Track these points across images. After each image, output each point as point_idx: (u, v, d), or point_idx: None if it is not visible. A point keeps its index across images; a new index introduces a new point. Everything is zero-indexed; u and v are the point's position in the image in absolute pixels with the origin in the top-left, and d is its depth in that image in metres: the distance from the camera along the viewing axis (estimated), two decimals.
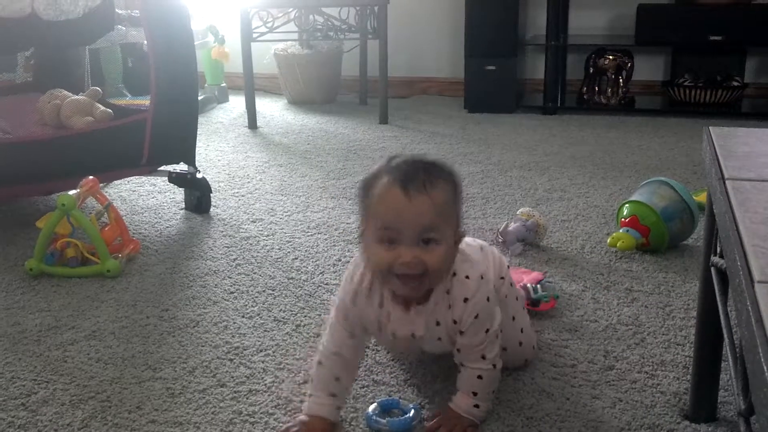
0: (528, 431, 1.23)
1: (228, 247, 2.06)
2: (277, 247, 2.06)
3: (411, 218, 1.11)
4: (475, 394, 1.25)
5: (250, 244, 2.08)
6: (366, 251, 1.18)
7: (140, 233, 2.16)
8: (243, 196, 2.53)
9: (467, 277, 1.21)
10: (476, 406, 1.25)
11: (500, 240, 2.05)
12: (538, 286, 1.71)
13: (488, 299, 1.23)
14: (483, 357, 1.24)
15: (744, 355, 0.61)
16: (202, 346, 1.53)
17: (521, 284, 1.66)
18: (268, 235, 2.15)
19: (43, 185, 2.13)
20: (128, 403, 1.32)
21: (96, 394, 1.35)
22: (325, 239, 2.12)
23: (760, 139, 1.28)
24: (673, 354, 1.46)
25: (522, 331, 1.41)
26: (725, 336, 1.04)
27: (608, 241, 2.00)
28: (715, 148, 1.17)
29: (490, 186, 2.61)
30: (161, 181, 2.55)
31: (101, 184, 2.00)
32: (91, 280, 1.84)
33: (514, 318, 1.39)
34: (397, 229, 1.12)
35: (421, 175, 1.12)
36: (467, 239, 1.32)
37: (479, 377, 1.24)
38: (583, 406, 1.30)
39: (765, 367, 0.55)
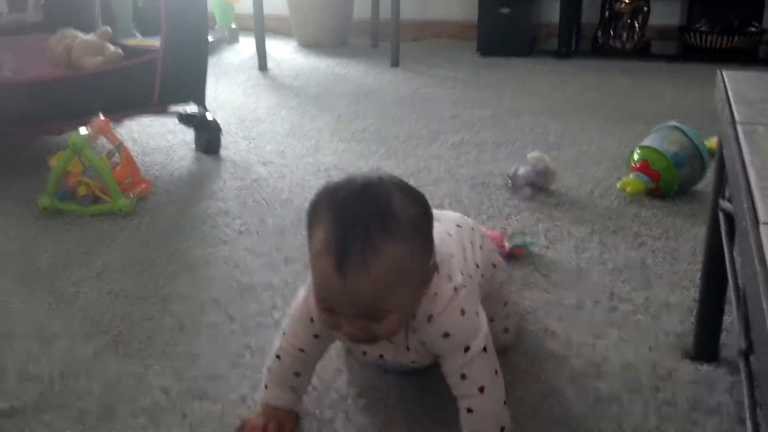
0: (531, 369, 1.25)
1: (238, 189, 2.07)
2: (287, 188, 2.07)
3: (346, 299, 0.90)
4: None
5: (260, 186, 2.09)
6: (315, 307, 0.97)
7: (151, 173, 2.17)
8: (253, 138, 2.53)
9: (436, 294, 0.98)
10: None
11: (510, 185, 2.05)
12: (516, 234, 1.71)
13: (462, 312, 0.99)
14: (463, 377, 1.00)
15: (746, 295, 0.61)
16: (212, 283, 1.55)
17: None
18: (278, 177, 2.16)
19: (54, 125, 2.14)
20: (140, 337, 1.35)
21: (108, 328, 1.38)
22: None
23: None
24: (678, 296, 1.48)
25: (507, 317, 1.29)
26: (730, 278, 1.05)
27: (618, 185, 2.00)
28: (727, 92, 1.15)
29: (501, 131, 2.59)
30: (172, 122, 2.55)
31: (112, 124, 2.00)
32: (103, 218, 1.86)
33: (506, 304, 1.28)
34: (332, 305, 0.92)
35: (362, 243, 0.87)
36: (443, 221, 1.15)
37: (468, 411, 1.01)
38: (587, 345, 1.32)
39: (765, 306, 0.56)
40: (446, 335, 0.99)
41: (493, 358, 1.02)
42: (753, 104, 1.08)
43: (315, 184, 2.09)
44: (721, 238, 1.11)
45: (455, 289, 0.99)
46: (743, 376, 0.84)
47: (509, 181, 2.05)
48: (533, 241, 1.70)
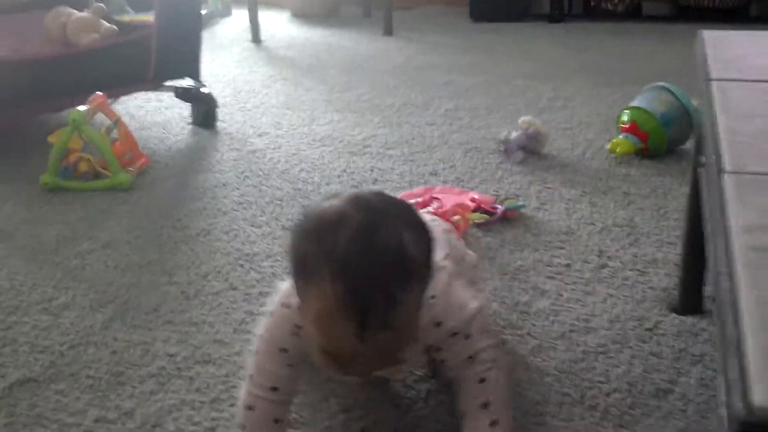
0: (522, 325, 1.30)
1: (235, 161, 2.11)
2: (284, 159, 2.11)
3: (367, 362, 0.84)
4: (486, 406, 0.94)
5: (257, 157, 2.13)
6: (307, 334, 0.87)
7: (149, 148, 2.21)
8: (249, 110, 2.56)
9: (432, 296, 0.90)
10: (494, 423, 0.93)
11: (502, 149, 2.08)
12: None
13: (461, 308, 0.96)
14: (470, 359, 0.95)
15: (708, 241, 0.66)
16: (214, 254, 1.59)
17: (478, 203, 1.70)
18: (274, 149, 2.20)
19: (53, 102, 2.17)
20: (145, 306, 1.40)
21: (114, 299, 1.43)
22: (331, 151, 2.16)
23: (755, 42, 1.31)
24: (665, 252, 1.52)
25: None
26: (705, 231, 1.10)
27: (608, 146, 2.03)
28: (705, 51, 1.19)
29: (494, 96, 2.62)
30: (168, 97, 2.58)
31: (109, 101, 2.04)
32: (105, 193, 1.90)
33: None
34: (346, 362, 0.83)
35: (383, 299, 0.78)
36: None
37: (481, 381, 0.94)
38: (576, 301, 1.37)
39: (725, 250, 0.61)
40: (454, 334, 0.93)
41: (492, 332, 0.99)
42: (729, 62, 1.12)
43: (310, 155, 2.13)
44: (699, 193, 1.16)
45: (448, 283, 0.95)
46: (715, 320, 0.89)
47: (501, 145, 2.08)
48: (525, 203, 1.75)
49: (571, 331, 1.28)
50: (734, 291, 0.53)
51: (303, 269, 0.83)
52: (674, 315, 1.32)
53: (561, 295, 1.39)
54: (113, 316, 1.38)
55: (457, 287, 0.97)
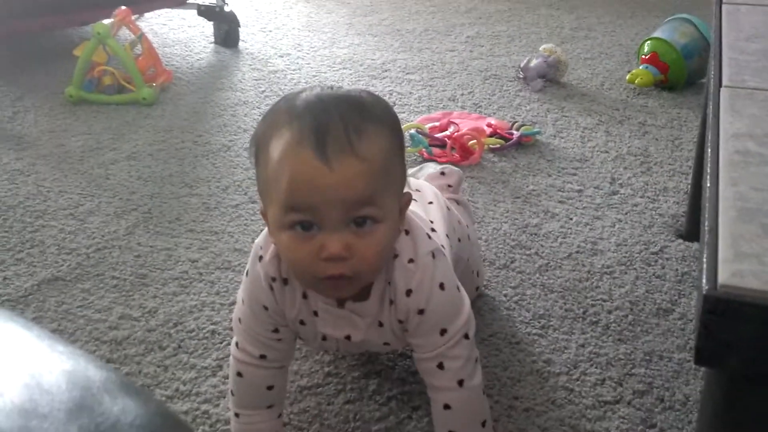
0: (531, 245, 1.34)
1: (256, 80, 2.13)
2: (304, 81, 2.13)
3: (334, 192, 0.75)
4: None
5: (278, 78, 2.15)
6: (274, 240, 0.83)
7: (172, 65, 2.23)
8: (270, 31, 2.57)
9: (411, 260, 0.84)
10: None
11: (521, 76, 2.09)
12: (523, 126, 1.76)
13: (441, 286, 0.85)
14: (440, 367, 0.86)
15: (705, 151, 0.69)
16: (234, 168, 1.63)
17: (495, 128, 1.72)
18: (295, 70, 2.21)
19: (77, 15, 2.19)
20: (168, 215, 1.45)
21: (138, 207, 1.48)
22: (351, 74, 2.18)
23: None
24: (676, 182, 1.55)
25: (477, 275, 1.18)
26: None
27: (627, 77, 2.04)
28: None
29: (516, 24, 2.61)
30: (191, 15, 2.59)
31: (134, 16, 2.05)
32: (128, 106, 1.94)
33: (473, 272, 1.15)
34: (313, 210, 0.76)
35: (341, 123, 0.76)
36: (423, 191, 1.05)
37: (446, 407, 0.87)
38: (585, 225, 1.40)
39: (715, 154, 0.64)
40: (420, 312, 0.85)
41: (474, 345, 0.89)
42: None
43: (330, 77, 2.15)
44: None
45: (432, 254, 0.86)
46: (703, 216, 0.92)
47: (521, 72, 2.09)
48: (540, 130, 1.77)
49: (578, 252, 1.32)
50: (716, 187, 0.57)
51: (261, 139, 0.81)
52: (680, 241, 1.35)
53: (571, 219, 1.42)
54: (137, 223, 1.43)
55: (445, 269, 0.88)
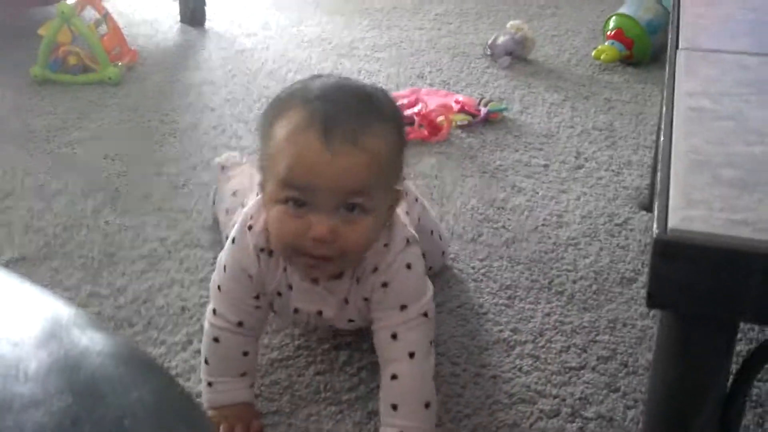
0: (498, 219, 1.36)
1: (223, 59, 2.12)
2: (272, 60, 2.12)
3: (331, 178, 0.79)
4: (394, 407, 0.88)
5: (245, 57, 2.14)
6: (266, 212, 0.87)
7: (138, 45, 2.21)
8: (237, 10, 2.55)
9: (386, 245, 0.89)
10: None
11: (488, 53, 2.10)
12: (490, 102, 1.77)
13: (409, 266, 0.90)
14: (394, 337, 0.89)
15: (661, 108, 0.71)
16: (202, 147, 1.63)
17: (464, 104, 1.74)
18: (262, 49, 2.20)
19: None
20: (135, 194, 1.45)
21: (105, 186, 1.47)
22: (319, 52, 2.17)
23: None
24: (641, 156, 1.57)
25: (441, 238, 1.20)
26: None
27: (593, 53, 2.06)
28: None
29: (484, 2, 2.62)
30: None
31: None
32: (94, 86, 1.92)
33: (432, 232, 1.15)
34: (308, 190, 0.80)
35: (350, 116, 0.81)
36: None
37: (393, 377, 0.88)
38: (551, 198, 1.42)
39: (669, 111, 0.66)
40: (384, 285, 0.88)
41: (432, 328, 0.91)
42: None
43: (299, 56, 2.14)
44: None
45: (407, 241, 0.90)
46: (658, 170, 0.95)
47: (488, 49, 2.10)
48: (507, 106, 1.78)
49: (543, 225, 1.34)
50: (670, 140, 0.59)
51: (273, 114, 0.85)
52: (644, 212, 1.38)
53: (537, 193, 1.44)
54: (104, 202, 1.42)
55: (416, 255, 0.91)
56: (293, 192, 0.81)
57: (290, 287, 0.91)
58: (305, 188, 0.81)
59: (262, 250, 0.90)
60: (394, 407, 0.88)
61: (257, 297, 0.92)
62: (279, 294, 0.92)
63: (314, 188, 0.80)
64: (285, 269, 0.90)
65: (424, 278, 0.92)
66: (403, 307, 0.89)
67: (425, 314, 0.90)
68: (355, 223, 0.82)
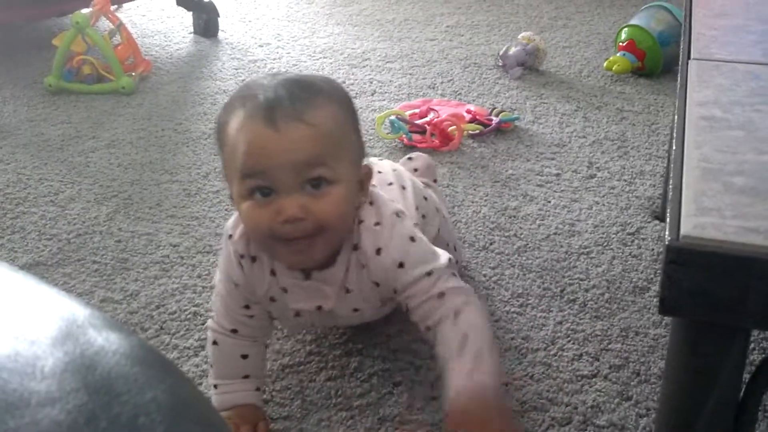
0: (510, 227, 1.36)
1: (236, 69, 2.14)
2: (284, 69, 2.13)
3: (283, 154, 0.80)
4: (464, 339, 0.85)
5: (258, 67, 2.16)
6: (239, 213, 0.87)
7: (151, 55, 2.23)
8: (250, 21, 2.57)
9: (377, 223, 0.89)
10: (482, 374, 0.83)
11: (500, 64, 2.11)
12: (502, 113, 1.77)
13: (412, 239, 0.90)
14: (441, 296, 0.88)
15: (673, 118, 0.71)
16: (215, 156, 1.64)
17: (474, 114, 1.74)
18: (275, 59, 2.22)
19: (56, 5, 2.18)
20: (148, 201, 1.46)
21: (118, 193, 1.48)
22: (331, 63, 2.19)
23: None
24: (653, 165, 1.57)
25: (456, 249, 1.18)
26: None
27: (605, 64, 2.06)
28: None
29: (495, 14, 2.63)
30: (170, 5, 2.58)
31: (113, 7, 2.05)
32: (108, 96, 1.93)
33: (447, 245, 1.12)
34: (267, 173, 0.81)
35: (293, 99, 0.82)
36: (384, 172, 1.07)
37: (456, 314, 0.86)
38: (563, 207, 1.42)
39: (682, 121, 0.66)
40: (401, 265, 0.88)
41: (467, 284, 0.91)
42: None
43: (311, 65, 2.15)
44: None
45: (397, 214, 0.90)
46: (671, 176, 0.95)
47: (500, 60, 2.11)
48: (519, 116, 1.78)
49: (555, 233, 1.34)
50: (682, 149, 0.59)
51: (220, 123, 0.86)
52: (657, 222, 1.37)
53: (549, 202, 1.44)
54: (117, 209, 1.43)
55: (412, 226, 0.92)
56: (255, 181, 0.82)
57: (285, 290, 0.92)
58: (263, 172, 0.81)
59: (242, 256, 0.91)
60: (477, 358, 0.83)
61: (247, 307, 0.94)
62: (273, 300, 0.93)
63: (270, 169, 0.81)
64: (273, 272, 0.91)
65: (430, 245, 0.92)
66: (429, 273, 0.88)
67: (453, 274, 0.90)
68: (323, 196, 0.82)
